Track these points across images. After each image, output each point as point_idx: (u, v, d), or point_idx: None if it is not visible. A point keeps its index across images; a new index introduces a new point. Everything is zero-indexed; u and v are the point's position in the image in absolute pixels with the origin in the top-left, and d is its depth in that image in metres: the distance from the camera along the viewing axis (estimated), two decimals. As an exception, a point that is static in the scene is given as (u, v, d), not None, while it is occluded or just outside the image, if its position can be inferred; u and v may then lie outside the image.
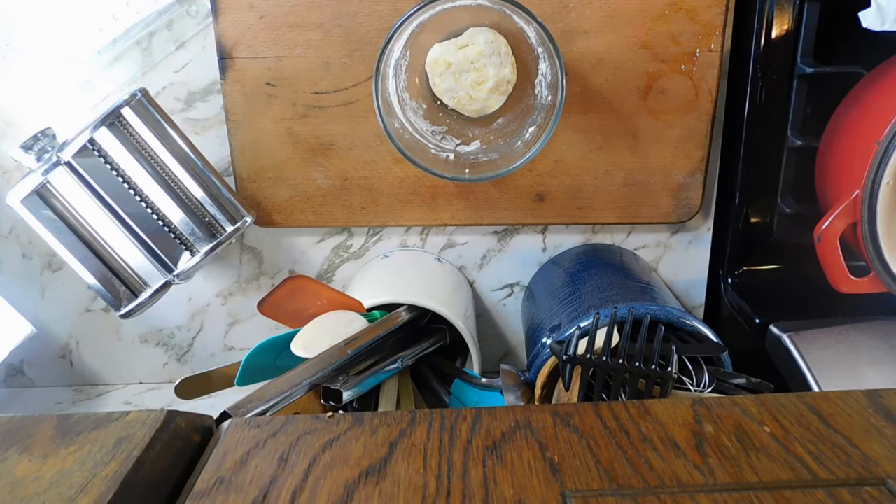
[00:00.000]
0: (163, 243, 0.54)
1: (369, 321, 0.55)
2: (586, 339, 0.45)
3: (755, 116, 0.58)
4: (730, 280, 0.64)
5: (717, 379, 0.47)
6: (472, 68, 0.54)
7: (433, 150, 0.55)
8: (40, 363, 0.71)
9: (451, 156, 0.55)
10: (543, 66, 0.53)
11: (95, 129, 0.51)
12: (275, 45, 0.57)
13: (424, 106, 0.56)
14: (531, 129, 0.53)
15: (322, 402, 0.47)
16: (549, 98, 0.52)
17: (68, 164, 0.51)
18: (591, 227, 0.66)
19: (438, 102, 0.57)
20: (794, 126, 0.58)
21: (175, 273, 0.55)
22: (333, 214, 0.63)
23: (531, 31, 0.51)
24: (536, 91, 0.54)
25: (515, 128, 0.55)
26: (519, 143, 0.54)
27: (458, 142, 0.56)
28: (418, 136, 0.54)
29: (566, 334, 0.49)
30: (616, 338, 0.45)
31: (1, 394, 0.71)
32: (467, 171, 0.53)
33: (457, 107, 0.56)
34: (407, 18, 0.48)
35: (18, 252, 0.66)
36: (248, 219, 0.57)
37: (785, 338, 0.55)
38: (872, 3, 0.48)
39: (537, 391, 0.50)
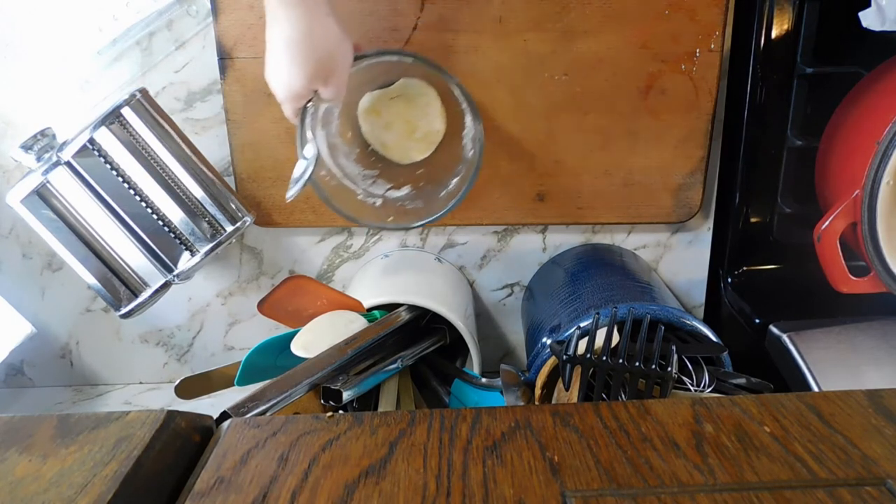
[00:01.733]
0: (163, 243, 0.54)
1: (369, 321, 0.55)
2: (586, 338, 0.45)
3: (755, 116, 0.58)
4: (730, 280, 0.64)
5: (717, 379, 0.47)
6: (402, 119, 0.55)
7: (360, 196, 0.56)
8: (40, 363, 0.71)
9: (379, 201, 0.56)
10: (468, 120, 0.53)
11: (95, 129, 0.51)
12: (275, 45, 0.57)
13: (357, 150, 0.58)
14: (454, 181, 0.54)
15: (322, 402, 0.47)
16: (472, 153, 0.53)
17: (68, 164, 0.51)
18: (591, 227, 0.66)
19: (370, 147, 0.58)
20: (794, 126, 0.58)
21: (175, 273, 0.55)
22: (333, 214, 0.63)
23: (455, 86, 0.52)
24: (464, 143, 0.55)
25: (443, 176, 0.56)
26: (444, 192, 0.55)
27: (389, 186, 0.58)
28: (346, 182, 0.55)
29: (566, 334, 0.49)
30: (616, 338, 0.45)
31: (1, 394, 0.71)
32: (391, 218, 0.55)
33: (385, 154, 0.58)
34: None
35: (18, 252, 0.66)
36: (248, 219, 0.57)
37: (785, 338, 0.55)
38: (872, 3, 0.48)
39: (537, 391, 0.50)
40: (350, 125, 0.57)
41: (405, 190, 0.57)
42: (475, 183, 0.52)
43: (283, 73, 0.46)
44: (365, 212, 0.55)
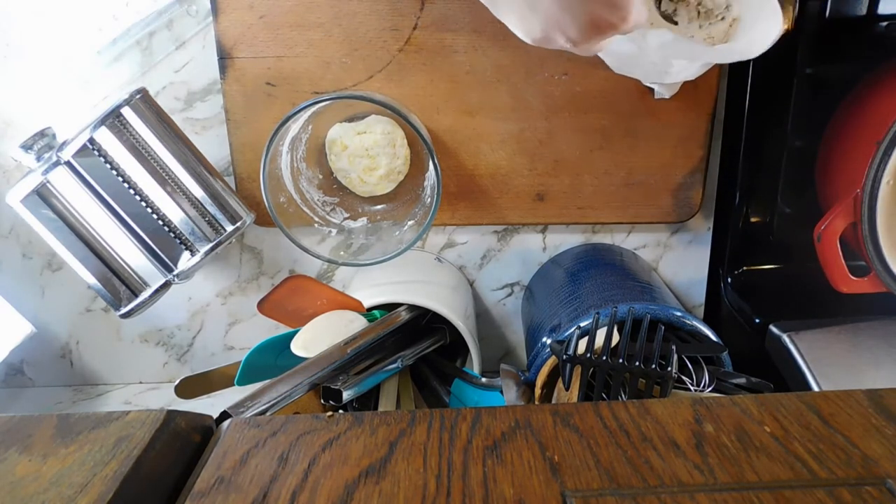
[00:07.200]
0: (163, 243, 0.54)
1: (369, 321, 0.55)
2: (586, 338, 0.45)
3: (755, 116, 0.58)
4: (730, 280, 0.64)
5: (717, 379, 0.47)
6: (366, 154, 0.56)
7: (316, 225, 0.56)
8: (40, 363, 0.71)
9: (334, 231, 0.57)
10: (431, 165, 0.53)
11: (95, 128, 0.51)
12: (275, 45, 0.57)
13: (320, 176, 0.58)
14: (410, 223, 0.55)
15: (322, 401, 0.47)
16: (430, 200, 0.53)
17: (68, 163, 0.51)
18: (591, 227, 0.66)
19: (334, 174, 0.59)
20: (794, 126, 0.58)
21: (175, 273, 0.55)
22: (333, 214, 0.63)
23: (423, 130, 0.52)
24: (425, 184, 0.56)
25: (401, 215, 0.57)
26: (398, 233, 0.56)
27: (346, 215, 0.59)
28: (305, 209, 0.56)
29: (566, 334, 0.49)
30: (616, 337, 0.45)
31: (1, 394, 0.71)
32: (342, 253, 0.56)
33: (348, 185, 0.59)
34: (302, 109, 0.50)
35: (18, 252, 0.66)
36: (248, 219, 0.57)
37: (785, 338, 0.55)
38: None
39: (537, 391, 0.50)
40: (316, 151, 0.58)
41: (361, 222, 0.58)
42: (430, 228, 0.53)
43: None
44: (318, 244, 0.56)
